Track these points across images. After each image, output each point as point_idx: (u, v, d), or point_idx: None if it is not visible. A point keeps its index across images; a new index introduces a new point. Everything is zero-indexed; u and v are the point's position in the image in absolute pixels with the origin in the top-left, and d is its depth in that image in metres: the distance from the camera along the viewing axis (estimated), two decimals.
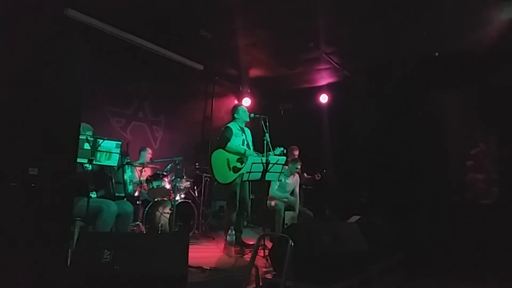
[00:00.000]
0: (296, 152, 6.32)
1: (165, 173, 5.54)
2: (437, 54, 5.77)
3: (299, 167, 5.83)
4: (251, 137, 5.06)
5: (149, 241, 2.61)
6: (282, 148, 4.78)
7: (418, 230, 4.88)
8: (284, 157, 4.52)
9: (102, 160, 3.47)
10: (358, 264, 3.29)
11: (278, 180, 5.02)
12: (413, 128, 6.02)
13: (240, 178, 4.72)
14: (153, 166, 5.88)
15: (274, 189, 5.66)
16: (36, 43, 2.62)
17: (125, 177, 4.03)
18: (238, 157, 4.78)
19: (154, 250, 2.42)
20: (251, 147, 4.96)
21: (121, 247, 2.38)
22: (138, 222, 4.94)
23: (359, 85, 6.95)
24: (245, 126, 5.05)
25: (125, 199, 3.90)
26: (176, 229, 5.29)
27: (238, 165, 4.74)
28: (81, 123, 3.57)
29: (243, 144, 4.87)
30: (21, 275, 2.30)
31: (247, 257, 4.30)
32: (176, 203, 5.19)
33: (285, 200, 5.67)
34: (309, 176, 6.50)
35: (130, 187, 4.27)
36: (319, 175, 6.52)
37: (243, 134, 4.94)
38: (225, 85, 8.02)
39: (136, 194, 5.18)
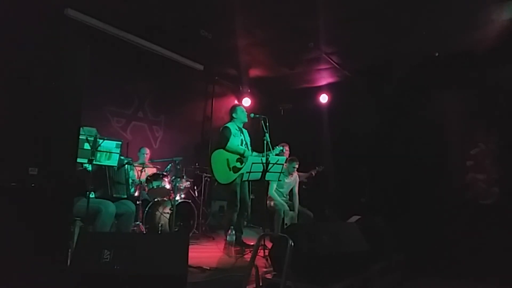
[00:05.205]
0: (286, 147, 6.16)
1: (165, 173, 5.54)
2: (437, 54, 5.77)
3: (296, 166, 5.82)
4: (249, 138, 5.07)
5: (149, 241, 2.61)
6: (281, 148, 4.78)
7: (418, 230, 4.88)
8: (284, 157, 4.52)
9: (102, 160, 3.47)
10: (358, 264, 3.29)
11: (278, 180, 5.02)
12: (413, 128, 6.02)
13: (240, 178, 4.73)
14: (154, 166, 5.88)
15: (272, 189, 5.66)
16: (36, 43, 2.62)
17: (129, 178, 4.02)
18: (238, 156, 4.78)
19: (154, 250, 2.42)
20: (249, 148, 4.97)
21: (121, 247, 2.38)
22: (138, 222, 4.94)
23: (359, 85, 6.95)
24: (244, 127, 5.06)
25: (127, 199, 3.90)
26: (176, 229, 5.29)
27: (238, 165, 4.75)
28: (86, 127, 3.59)
29: (241, 145, 4.88)
30: (21, 275, 2.30)
31: (247, 257, 4.30)
32: (176, 203, 5.20)
33: (282, 203, 5.65)
34: (303, 174, 6.42)
35: (132, 189, 4.28)
36: (315, 172, 6.46)
37: (241, 134, 4.95)
38: (225, 85, 8.01)
39: (136, 194, 5.18)
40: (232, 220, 4.75)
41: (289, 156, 6.01)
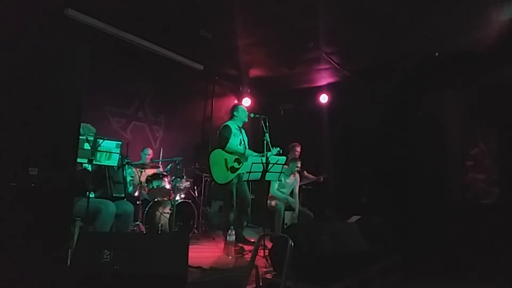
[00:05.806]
0: (298, 149, 6.30)
1: (165, 173, 5.54)
2: (437, 54, 5.77)
3: (299, 166, 5.83)
4: (247, 138, 5.09)
5: (149, 241, 2.60)
6: (278, 149, 4.78)
7: (418, 230, 4.88)
8: (284, 157, 4.52)
9: (102, 160, 3.47)
10: (358, 264, 3.29)
11: (278, 180, 5.02)
12: (413, 128, 6.02)
13: (237, 178, 4.72)
14: (155, 166, 5.87)
15: (274, 188, 5.66)
16: (36, 43, 2.62)
17: (127, 178, 4.03)
18: (236, 157, 4.78)
19: (154, 250, 2.42)
20: (247, 148, 4.97)
21: (121, 247, 2.37)
22: (138, 222, 4.94)
23: (359, 85, 6.95)
24: (242, 127, 5.06)
25: (125, 199, 3.90)
26: (176, 229, 5.29)
27: (236, 165, 4.75)
28: (84, 124, 3.59)
29: (240, 144, 4.89)
30: (21, 275, 2.30)
31: (247, 257, 4.30)
32: (176, 203, 5.19)
33: (285, 200, 5.67)
34: (312, 176, 6.49)
35: (130, 188, 4.28)
36: (323, 177, 6.51)
37: (240, 134, 4.96)
38: (225, 85, 8.02)
39: (136, 194, 5.19)
40: (229, 220, 4.75)
41: (299, 157, 6.06)
